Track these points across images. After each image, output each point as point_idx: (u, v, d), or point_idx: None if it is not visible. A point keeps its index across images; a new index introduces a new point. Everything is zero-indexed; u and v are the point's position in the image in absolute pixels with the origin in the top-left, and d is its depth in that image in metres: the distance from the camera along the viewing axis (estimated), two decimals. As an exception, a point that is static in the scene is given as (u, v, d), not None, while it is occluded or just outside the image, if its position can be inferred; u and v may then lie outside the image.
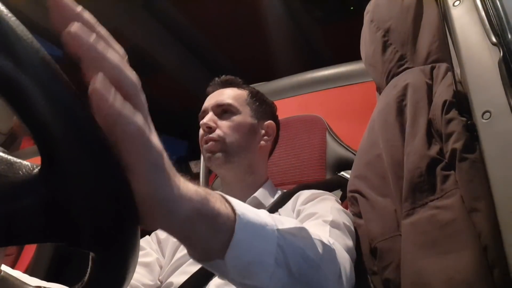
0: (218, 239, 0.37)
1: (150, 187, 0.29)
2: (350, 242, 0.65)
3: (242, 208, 0.39)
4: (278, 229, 0.42)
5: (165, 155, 0.30)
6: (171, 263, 0.80)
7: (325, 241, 0.51)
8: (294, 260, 0.43)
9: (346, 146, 1.08)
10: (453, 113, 0.59)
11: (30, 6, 1.70)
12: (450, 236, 0.54)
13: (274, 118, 0.98)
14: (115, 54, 0.29)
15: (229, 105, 0.88)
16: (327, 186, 0.96)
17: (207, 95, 0.96)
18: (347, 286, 0.55)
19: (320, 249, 0.49)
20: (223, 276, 0.39)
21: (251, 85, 1.01)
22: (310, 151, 1.12)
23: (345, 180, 0.95)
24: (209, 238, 0.36)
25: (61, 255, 1.43)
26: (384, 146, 0.69)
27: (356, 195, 0.73)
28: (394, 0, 0.79)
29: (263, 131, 0.92)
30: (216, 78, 0.99)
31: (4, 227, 0.24)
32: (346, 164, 1.04)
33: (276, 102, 1.09)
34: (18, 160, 0.28)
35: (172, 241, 0.85)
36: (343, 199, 0.98)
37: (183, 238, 0.35)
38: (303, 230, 0.47)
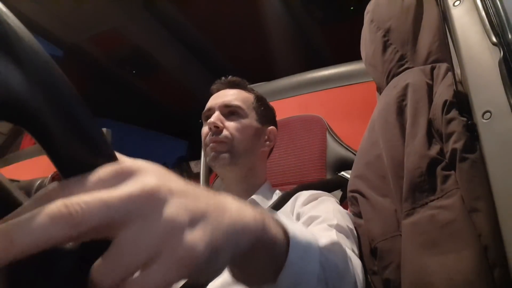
0: (273, 265, 0.37)
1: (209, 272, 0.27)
2: (355, 247, 0.67)
3: (292, 226, 0.39)
4: (319, 247, 0.44)
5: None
6: None
7: (348, 253, 0.53)
8: (331, 276, 0.45)
9: (346, 146, 1.08)
10: (454, 113, 0.59)
11: (30, 6, 1.70)
12: (450, 236, 0.54)
13: (275, 123, 1.00)
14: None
15: (238, 107, 0.89)
16: (327, 186, 0.96)
17: (211, 94, 0.96)
18: None
19: (346, 261, 0.51)
20: None
21: (251, 85, 1.01)
22: (310, 151, 1.12)
23: (345, 180, 0.95)
24: (266, 265, 0.36)
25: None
26: (384, 146, 0.68)
27: (356, 195, 0.73)
28: (394, 0, 0.78)
29: (266, 136, 0.94)
30: (223, 78, 0.99)
31: None
32: (346, 164, 1.04)
33: (276, 102, 1.10)
34: None
35: None
36: (343, 199, 0.98)
37: (242, 270, 0.34)
38: (336, 245, 0.50)
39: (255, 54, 2.19)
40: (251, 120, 0.90)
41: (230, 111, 0.89)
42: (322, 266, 0.44)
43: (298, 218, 0.76)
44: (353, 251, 0.64)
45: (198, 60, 2.43)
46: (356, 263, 0.59)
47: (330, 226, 0.66)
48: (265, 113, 0.95)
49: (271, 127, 0.96)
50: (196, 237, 0.23)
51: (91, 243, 0.24)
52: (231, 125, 0.87)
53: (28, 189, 1.36)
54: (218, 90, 0.96)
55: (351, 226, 0.72)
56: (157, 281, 0.22)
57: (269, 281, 0.37)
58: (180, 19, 2.09)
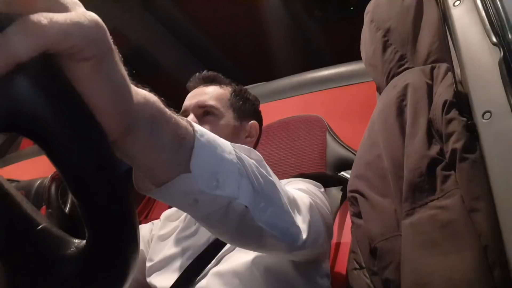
0: (182, 147, 0.35)
1: (113, 106, 0.26)
2: (319, 201, 0.65)
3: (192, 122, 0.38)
4: (231, 144, 0.42)
5: (115, 55, 0.27)
6: (154, 262, 0.81)
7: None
8: (253, 174, 0.42)
9: (346, 146, 1.08)
10: (454, 113, 0.59)
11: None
12: (450, 236, 0.54)
13: (257, 115, 0.96)
14: None
15: (212, 107, 0.86)
16: (327, 180, 0.96)
17: (188, 91, 0.93)
18: (309, 225, 0.54)
19: (271, 172, 0.48)
20: (192, 193, 0.37)
21: (251, 85, 1.01)
22: (310, 151, 1.12)
23: (346, 179, 0.95)
24: (174, 145, 0.34)
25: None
26: (384, 146, 0.68)
27: (356, 195, 0.73)
28: (394, 0, 0.78)
29: (246, 133, 0.90)
30: (197, 74, 0.95)
31: None
32: (346, 164, 1.04)
33: (276, 102, 1.10)
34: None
35: (157, 235, 0.85)
36: (343, 199, 0.98)
37: (146, 150, 0.32)
38: (252, 152, 0.47)
39: (255, 54, 2.19)
40: (228, 118, 0.87)
41: (204, 112, 0.86)
42: (240, 161, 0.41)
43: None
44: (313, 197, 0.63)
45: (198, 60, 2.43)
46: (304, 199, 0.57)
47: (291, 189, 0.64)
48: (244, 108, 0.91)
49: (252, 121, 0.92)
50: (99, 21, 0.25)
51: (94, 251, 0.25)
52: (205, 127, 0.85)
53: (28, 189, 1.36)
54: (194, 88, 0.93)
55: (322, 198, 0.70)
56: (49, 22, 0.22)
57: (183, 170, 0.35)
58: (180, 19, 2.09)
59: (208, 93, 0.89)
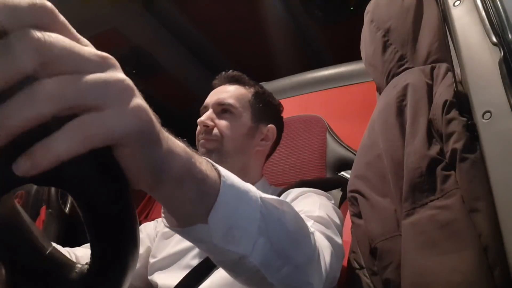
0: (204, 202, 0.35)
1: (142, 157, 0.27)
2: (335, 236, 0.63)
3: (227, 172, 0.38)
4: (261, 197, 0.41)
5: (148, 110, 0.27)
6: (158, 259, 0.80)
7: (306, 222, 0.50)
8: (275, 232, 0.42)
9: (346, 146, 1.08)
10: (454, 113, 0.59)
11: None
12: (450, 236, 0.54)
13: (277, 120, 0.96)
14: None
15: (230, 105, 0.87)
16: (327, 184, 0.96)
17: (213, 89, 0.94)
18: (327, 275, 0.53)
19: (300, 226, 0.47)
20: (205, 242, 0.37)
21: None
22: (310, 151, 1.12)
23: (345, 180, 0.95)
24: (196, 200, 0.34)
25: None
26: (384, 146, 0.68)
27: (356, 195, 0.73)
28: (394, 0, 0.78)
29: (262, 135, 0.90)
30: (223, 72, 0.96)
31: None
32: (346, 164, 1.04)
33: (276, 102, 1.08)
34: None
35: (162, 232, 0.85)
36: (343, 199, 0.98)
37: (170, 200, 0.34)
38: (285, 204, 0.46)
39: (255, 54, 2.19)
40: (245, 118, 0.87)
41: (223, 109, 0.87)
42: (263, 217, 0.40)
43: None
44: (330, 238, 0.61)
45: (198, 59, 2.43)
46: (323, 243, 0.55)
47: (309, 217, 0.64)
48: (263, 111, 0.92)
49: (270, 125, 0.92)
50: (145, 105, 0.26)
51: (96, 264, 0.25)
52: (221, 123, 0.85)
53: (28, 189, 1.36)
54: (218, 85, 0.94)
55: (337, 221, 0.69)
56: (110, 123, 0.23)
57: (201, 220, 0.36)
58: (180, 19, 2.09)
59: (229, 92, 0.90)
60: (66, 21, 0.23)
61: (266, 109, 0.93)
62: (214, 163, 0.38)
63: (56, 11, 0.22)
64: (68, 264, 0.30)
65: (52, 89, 0.21)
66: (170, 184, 0.31)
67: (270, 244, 0.41)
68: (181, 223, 0.37)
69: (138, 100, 0.25)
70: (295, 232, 0.46)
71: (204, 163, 0.35)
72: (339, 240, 0.64)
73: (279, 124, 0.97)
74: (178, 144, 0.32)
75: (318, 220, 0.64)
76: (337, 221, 0.70)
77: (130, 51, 2.25)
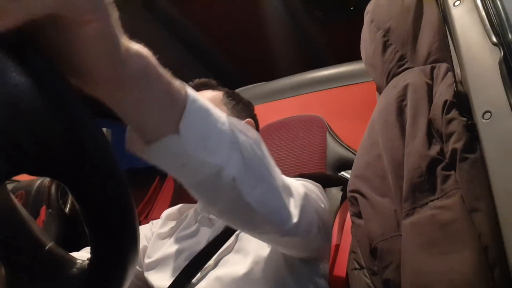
0: (173, 108, 0.34)
1: (100, 62, 0.27)
2: (311, 195, 0.63)
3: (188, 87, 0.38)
4: (228, 116, 0.41)
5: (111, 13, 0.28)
6: (151, 260, 0.81)
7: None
8: (246, 149, 0.41)
9: (346, 146, 1.08)
10: (454, 113, 0.59)
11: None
12: (450, 236, 0.54)
13: (252, 116, 0.97)
14: None
15: None
16: (328, 180, 0.96)
17: None
18: (301, 210, 0.53)
19: (266, 151, 0.47)
20: (179, 156, 0.36)
21: (251, 85, 1.01)
22: (310, 151, 1.12)
23: (345, 179, 0.95)
24: (164, 104, 0.34)
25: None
26: (384, 146, 0.68)
27: (356, 195, 0.73)
28: (394, 0, 0.78)
29: None
30: (190, 82, 0.98)
31: None
32: (346, 164, 1.04)
33: (276, 102, 1.09)
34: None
35: (157, 233, 0.85)
36: (343, 199, 0.98)
37: (136, 107, 0.33)
38: (250, 130, 0.45)
39: (255, 54, 2.19)
40: None
41: None
42: (232, 132, 0.39)
43: None
44: (314, 192, 0.62)
45: (198, 60, 2.43)
46: (308, 187, 0.56)
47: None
48: (238, 107, 0.93)
49: (248, 119, 0.93)
50: None
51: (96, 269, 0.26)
52: None
53: (28, 189, 1.36)
54: None
55: (320, 196, 0.69)
56: None
57: (172, 130, 0.35)
58: (180, 19, 2.09)
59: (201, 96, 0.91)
60: None
61: (240, 106, 0.94)
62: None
63: None
64: (68, 259, 0.29)
65: None
66: (135, 81, 0.31)
67: (243, 159, 0.40)
68: (150, 137, 0.35)
69: None
70: (264, 155, 0.46)
71: (168, 73, 0.35)
72: (319, 204, 0.64)
73: (255, 119, 0.98)
74: (142, 47, 0.32)
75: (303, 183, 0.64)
76: (320, 194, 0.70)
77: (130, 51, 2.26)
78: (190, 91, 0.37)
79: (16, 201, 0.29)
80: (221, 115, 0.41)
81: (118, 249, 0.26)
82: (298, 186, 0.59)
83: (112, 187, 0.25)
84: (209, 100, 0.87)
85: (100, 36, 0.27)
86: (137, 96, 0.32)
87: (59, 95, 0.23)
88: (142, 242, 0.86)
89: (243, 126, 0.44)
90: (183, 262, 0.75)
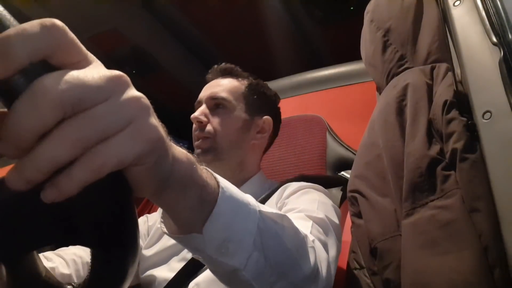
0: (203, 210, 0.35)
1: (150, 170, 0.28)
2: (332, 240, 0.63)
3: (226, 183, 0.38)
4: (260, 211, 0.41)
5: (162, 131, 0.28)
6: (153, 253, 0.80)
7: (308, 237, 0.50)
8: (272, 247, 0.42)
9: (346, 146, 1.08)
10: (454, 113, 0.59)
11: (31, 7, 1.70)
12: (450, 236, 0.54)
13: (273, 112, 0.94)
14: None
15: (223, 99, 0.85)
16: (328, 181, 0.96)
17: (207, 82, 0.93)
18: (322, 286, 0.53)
19: (300, 242, 0.47)
20: (199, 252, 0.38)
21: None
22: (310, 151, 1.12)
23: (346, 179, 0.95)
24: (196, 207, 0.35)
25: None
26: (384, 146, 0.68)
27: (356, 195, 0.73)
28: (394, 0, 0.78)
29: (257, 128, 0.89)
30: (216, 66, 0.96)
31: None
32: (346, 164, 1.04)
33: (276, 102, 1.08)
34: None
35: (156, 227, 0.85)
36: (343, 199, 0.98)
37: (172, 207, 0.34)
38: (285, 218, 0.45)
39: (255, 54, 2.19)
40: (239, 112, 0.86)
41: (216, 104, 0.86)
42: (260, 231, 0.40)
43: (280, 210, 0.72)
44: (328, 244, 0.61)
45: (198, 59, 2.43)
46: (322, 256, 0.54)
47: (308, 217, 0.63)
48: (258, 102, 0.90)
49: (266, 117, 0.90)
50: (157, 122, 0.26)
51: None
52: (215, 119, 0.84)
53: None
54: (211, 79, 0.93)
55: (336, 220, 0.69)
56: (122, 150, 0.23)
57: (197, 230, 0.36)
58: (180, 19, 2.09)
59: (222, 85, 0.88)
60: (74, 38, 0.23)
61: (261, 101, 0.91)
62: (213, 173, 0.38)
63: (66, 28, 0.23)
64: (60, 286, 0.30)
65: (72, 134, 0.21)
66: (174, 191, 0.32)
67: (264, 258, 0.41)
68: (181, 231, 0.37)
69: (151, 119, 0.26)
70: (294, 248, 0.46)
71: (204, 171, 0.36)
72: (335, 248, 0.64)
73: (276, 115, 0.95)
74: (180, 151, 0.32)
75: (317, 221, 0.63)
76: (336, 220, 0.70)
77: (130, 51, 2.25)
78: (222, 193, 0.37)
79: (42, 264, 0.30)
80: (253, 209, 0.41)
81: (118, 272, 0.27)
82: (319, 251, 0.56)
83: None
84: (230, 92, 0.87)
85: (152, 171, 0.28)
86: (171, 197, 0.33)
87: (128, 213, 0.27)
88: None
89: (277, 216, 0.44)
90: (186, 254, 0.74)
